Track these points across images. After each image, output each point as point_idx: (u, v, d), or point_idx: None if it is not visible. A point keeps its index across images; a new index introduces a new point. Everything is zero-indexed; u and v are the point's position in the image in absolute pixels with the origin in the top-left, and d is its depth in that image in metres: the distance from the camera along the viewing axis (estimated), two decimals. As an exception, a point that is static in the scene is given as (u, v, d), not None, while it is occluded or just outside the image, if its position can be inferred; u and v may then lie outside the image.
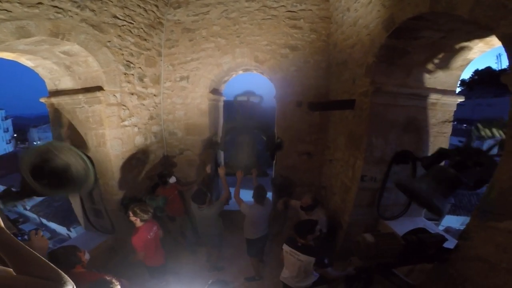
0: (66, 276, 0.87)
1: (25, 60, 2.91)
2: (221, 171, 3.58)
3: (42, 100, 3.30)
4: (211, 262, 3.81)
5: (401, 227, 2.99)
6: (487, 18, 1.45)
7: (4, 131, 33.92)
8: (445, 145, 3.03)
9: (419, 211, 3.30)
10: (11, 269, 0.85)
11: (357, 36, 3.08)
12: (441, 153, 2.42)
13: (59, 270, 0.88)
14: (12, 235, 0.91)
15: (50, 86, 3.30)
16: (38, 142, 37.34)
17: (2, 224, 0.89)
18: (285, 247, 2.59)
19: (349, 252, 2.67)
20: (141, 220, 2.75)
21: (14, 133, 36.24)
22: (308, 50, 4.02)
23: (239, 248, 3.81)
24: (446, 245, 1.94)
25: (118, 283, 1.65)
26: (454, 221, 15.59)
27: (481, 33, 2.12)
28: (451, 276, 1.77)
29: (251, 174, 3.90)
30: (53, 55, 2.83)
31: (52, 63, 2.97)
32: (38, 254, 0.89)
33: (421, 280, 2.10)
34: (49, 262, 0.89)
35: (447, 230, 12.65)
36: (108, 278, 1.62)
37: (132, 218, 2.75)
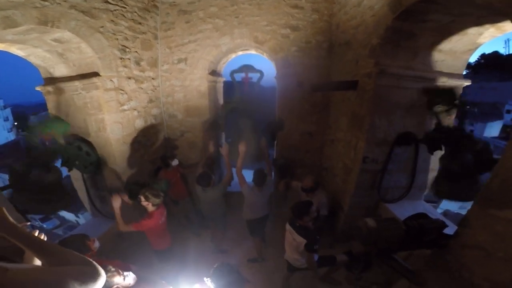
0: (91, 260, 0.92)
1: (16, 50, 2.83)
2: (224, 150, 3.44)
3: (38, 88, 3.25)
4: (215, 244, 3.90)
5: (401, 210, 3.03)
6: (502, 4, 1.36)
7: (4, 120, 33.86)
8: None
9: (419, 194, 3.33)
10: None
11: (361, 17, 2.97)
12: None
13: (85, 257, 0.93)
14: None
15: (44, 74, 3.24)
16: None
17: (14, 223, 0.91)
18: (287, 225, 2.66)
19: (349, 234, 2.73)
20: (153, 205, 2.77)
21: (14, 121, 36.16)
22: (309, 31, 3.90)
23: (242, 230, 3.87)
24: (446, 231, 1.96)
25: (117, 271, 1.67)
26: (452, 204, 15.81)
27: (494, 18, 2.02)
28: (448, 262, 1.80)
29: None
30: (44, 43, 2.74)
31: (44, 51, 2.89)
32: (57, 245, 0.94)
33: (419, 265, 2.13)
34: (73, 252, 0.93)
35: (445, 213, 12.89)
36: (108, 267, 1.64)
37: (144, 203, 2.76)
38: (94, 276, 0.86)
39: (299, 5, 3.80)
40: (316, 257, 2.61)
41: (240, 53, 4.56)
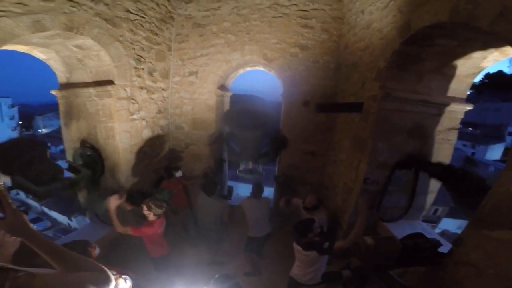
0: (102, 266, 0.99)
1: (38, 53, 2.94)
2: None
3: (53, 92, 3.34)
4: (211, 256, 3.89)
5: (399, 229, 3.04)
6: (507, 32, 1.42)
7: (10, 119, 34.23)
8: (449, 152, 3.05)
9: (417, 215, 3.35)
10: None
11: (369, 39, 3.06)
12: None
13: (96, 262, 1.00)
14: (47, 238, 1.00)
15: (61, 78, 3.34)
16: (44, 130, 37.66)
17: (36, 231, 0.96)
18: (295, 245, 2.68)
19: (347, 251, 2.74)
20: (155, 215, 2.84)
21: (20, 120, 36.54)
22: (318, 50, 4.01)
23: (239, 243, 3.88)
24: (441, 249, 2.00)
25: (119, 276, 1.70)
26: (451, 224, 15.62)
27: (499, 43, 2.08)
28: (442, 279, 1.85)
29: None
30: (66, 49, 2.86)
31: (65, 56, 3.01)
32: (72, 252, 0.99)
33: (413, 282, 2.18)
34: (86, 257, 1.00)
35: (443, 233, 12.73)
36: (112, 272, 1.67)
37: (146, 212, 2.83)
38: (107, 281, 0.95)
39: (309, 24, 3.92)
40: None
41: (249, 69, 4.68)
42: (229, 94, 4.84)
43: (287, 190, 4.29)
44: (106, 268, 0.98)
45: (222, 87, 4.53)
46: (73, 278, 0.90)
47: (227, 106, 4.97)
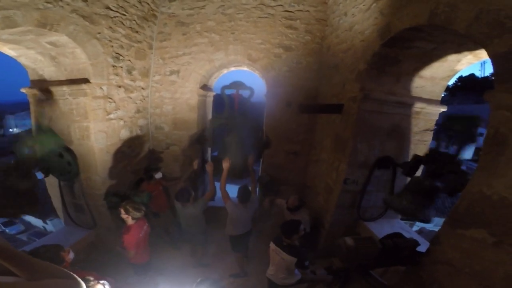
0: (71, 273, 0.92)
1: (8, 50, 2.77)
2: (209, 167, 3.51)
3: (24, 90, 3.16)
4: (196, 258, 3.82)
5: (379, 228, 3.14)
6: (482, 35, 1.48)
7: (-21, 118, 31.94)
8: (423, 152, 3.18)
9: (396, 214, 3.46)
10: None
11: (351, 41, 3.11)
12: (417, 160, 2.54)
13: (64, 269, 0.93)
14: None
15: (32, 76, 3.17)
16: (15, 130, 35.39)
17: None
18: (272, 245, 2.66)
19: (330, 251, 2.79)
20: (133, 218, 2.73)
21: (-11, 119, 34.16)
22: (301, 51, 4.04)
23: (224, 245, 3.83)
24: (419, 248, 2.07)
25: (97, 281, 1.63)
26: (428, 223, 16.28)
27: (473, 46, 2.17)
28: (421, 278, 1.90)
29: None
30: (38, 45, 2.71)
31: (37, 53, 2.84)
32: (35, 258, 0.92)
33: (394, 281, 2.24)
34: (52, 264, 0.93)
35: (421, 231, 13.31)
36: (87, 278, 1.60)
37: (124, 216, 2.72)
38: None
39: (293, 25, 3.94)
40: (299, 275, 2.62)
41: (233, 68, 4.64)
42: (212, 94, 4.77)
43: (271, 191, 4.29)
44: (75, 275, 0.92)
45: (205, 87, 4.45)
46: (39, 286, 0.84)
47: (210, 106, 4.90)
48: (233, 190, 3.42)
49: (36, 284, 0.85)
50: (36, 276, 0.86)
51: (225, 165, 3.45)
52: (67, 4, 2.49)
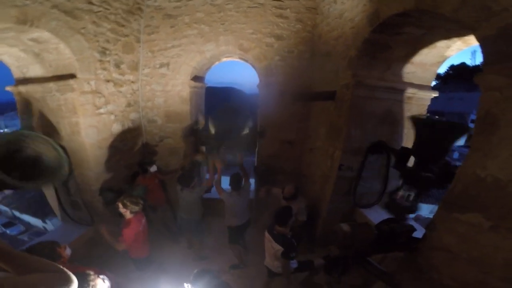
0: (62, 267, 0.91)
1: None
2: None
3: (8, 88, 3.09)
4: (195, 251, 3.83)
5: (375, 214, 3.17)
6: (470, 19, 1.48)
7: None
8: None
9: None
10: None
11: (342, 29, 3.10)
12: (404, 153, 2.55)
13: (55, 263, 0.92)
14: None
15: (17, 74, 3.09)
16: (5, 130, 34.64)
17: None
18: (266, 233, 2.69)
19: (328, 239, 2.82)
20: (131, 212, 2.72)
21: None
22: (293, 40, 3.99)
23: (222, 237, 3.85)
24: (416, 234, 2.09)
25: (97, 276, 1.62)
26: (424, 209, 16.65)
27: (461, 31, 2.19)
28: (419, 264, 1.91)
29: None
30: (20, 43, 2.63)
31: (20, 51, 2.76)
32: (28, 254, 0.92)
33: (393, 268, 2.25)
34: (44, 259, 0.92)
35: (417, 218, 13.54)
36: (88, 272, 1.58)
37: (122, 210, 2.71)
38: (67, 283, 0.87)
39: (284, 14, 3.88)
40: (295, 264, 2.65)
41: (224, 59, 4.58)
42: (204, 85, 4.72)
43: (267, 180, 4.30)
44: (66, 269, 0.91)
45: (197, 78, 4.39)
46: (23, 283, 0.82)
47: (202, 97, 4.85)
48: (225, 182, 3.46)
49: (25, 278, 0.84)
50: (25, 270, 0.85)
51: (218, 165, 3.57)
52: (47, 0, 2.41)
